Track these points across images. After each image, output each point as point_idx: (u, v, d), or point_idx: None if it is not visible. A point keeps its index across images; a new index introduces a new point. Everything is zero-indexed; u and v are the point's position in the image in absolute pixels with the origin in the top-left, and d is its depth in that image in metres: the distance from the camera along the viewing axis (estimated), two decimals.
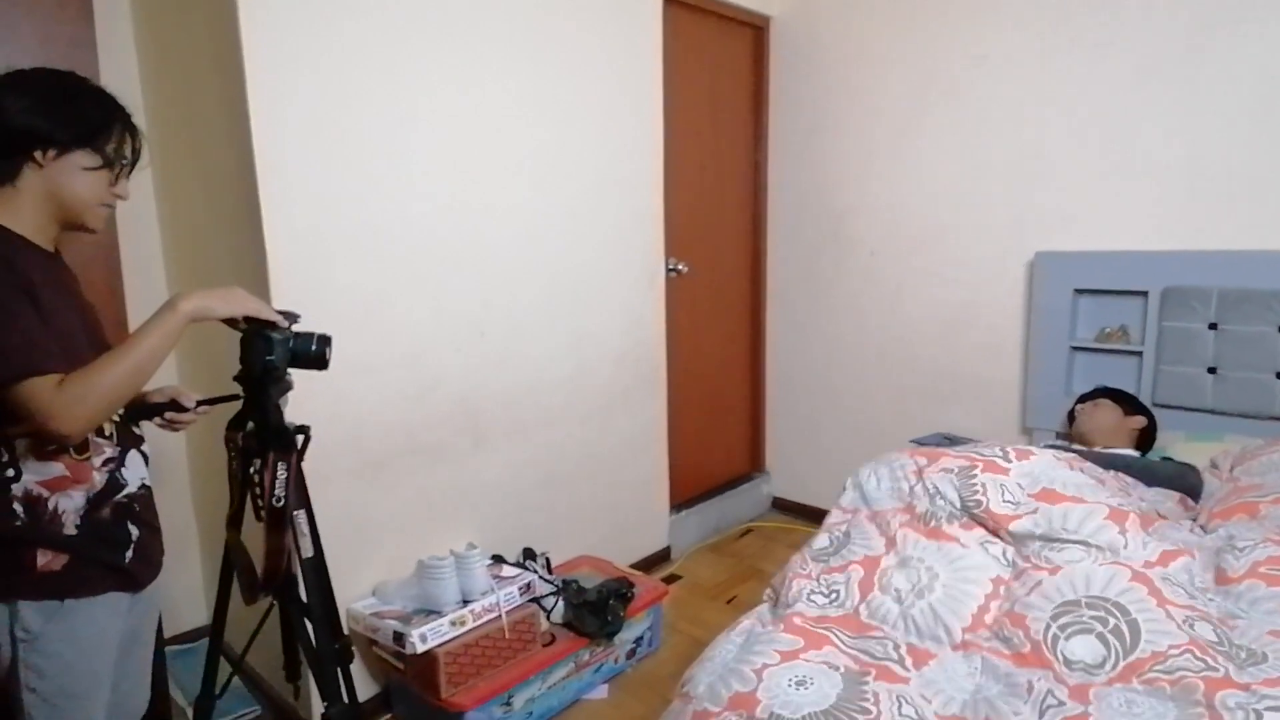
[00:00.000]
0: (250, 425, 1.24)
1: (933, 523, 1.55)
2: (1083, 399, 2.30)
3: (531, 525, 2.41)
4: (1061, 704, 1.09)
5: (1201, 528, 1.59)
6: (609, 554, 2.60)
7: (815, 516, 3.31)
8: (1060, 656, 1.17)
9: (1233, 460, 1.88)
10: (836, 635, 1.35)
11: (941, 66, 2.72)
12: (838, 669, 1.22)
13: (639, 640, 2.29)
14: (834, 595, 1.49)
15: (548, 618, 2.10)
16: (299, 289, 1.78)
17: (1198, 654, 1.10)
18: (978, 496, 1.54)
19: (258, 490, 1.23)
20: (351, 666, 1.51)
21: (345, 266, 1.88)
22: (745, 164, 3.24)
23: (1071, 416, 2.32)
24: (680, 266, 2.92)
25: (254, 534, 1.27)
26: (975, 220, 2.72)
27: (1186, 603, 1.22)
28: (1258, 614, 1.23)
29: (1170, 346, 2.29)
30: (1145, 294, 2.34)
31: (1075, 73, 2.44)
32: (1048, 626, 1.23)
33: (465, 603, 1.91)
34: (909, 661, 1.26)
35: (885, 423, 3.06)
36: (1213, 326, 2.21)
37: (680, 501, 3.07)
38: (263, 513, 1.22)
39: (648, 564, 2.88)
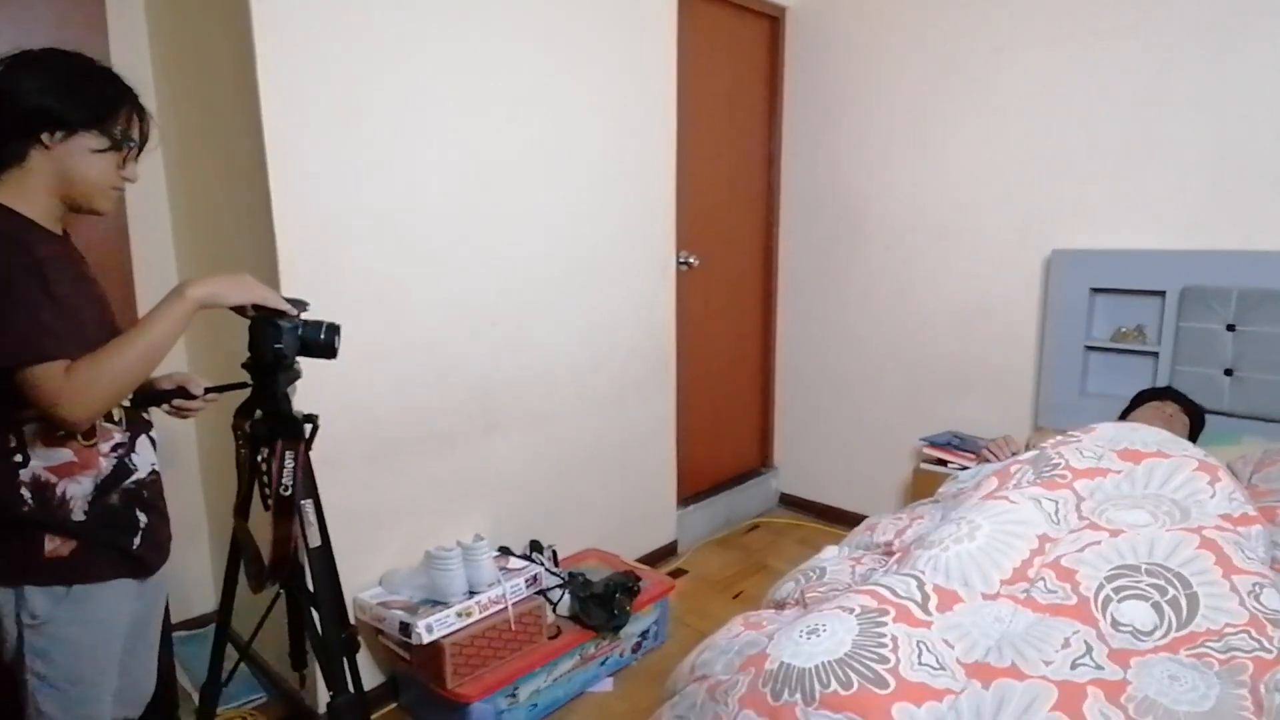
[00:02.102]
0: (258, 413, 1.24)
1: (986, 490, 1.51)
2: (1152, 395, 2.23)
3: (539, 517, 2.41)
4: (1100, 667, 1.04)
5: None
6: (616, 547, 2.59)
7: (823, 513, 3.31)
8: (1109, 617, 1.13)
9: (1253, 467, 1.85)
10: (859, 563, 1.31)
11: (959, 57, 2.69)
12: (852, 611, 1.15)
13: (645, 634, 2.28)
14: (881, 562, 1.46)
15: (554, 610, 2.09)
16: (310, 274, 1.77)
17: (1254, 634, 1.06)
18: (1055, 462, 1.50)
19: (265, 479, 1.23)
20: (358, 655, 1.51)
21: (358, 252, 1.87)
22: (759, 156, 3.21)
23: (1128, 409, 2.24)
24: (692, 259, 2.89)
25: (262, 522, 1.27)
26: (992, 214, 2.69)
27: (1257, 569, 1.17)
28: None
29: (1187, 347, 2.26)
30: (1163, 294, 2.31)
31: (1095, 62, 2.40)
32: (1101, 586, 1.17)
33: (472, 594, 1.90)
34: (934, 602, 1.19)
35: (896, 419, 3.04)
36: (1231, 328, 2.18)
37: (688, 495, 3.06)
38: (270, 501, 1.21)
39: (655, 557, 2.87)
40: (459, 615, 1.82)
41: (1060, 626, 1.14)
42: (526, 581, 2.01)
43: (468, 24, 2.02)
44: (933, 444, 2.69)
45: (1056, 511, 1.38)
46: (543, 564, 2.17)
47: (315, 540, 1.26)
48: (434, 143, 1.99)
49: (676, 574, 2.82)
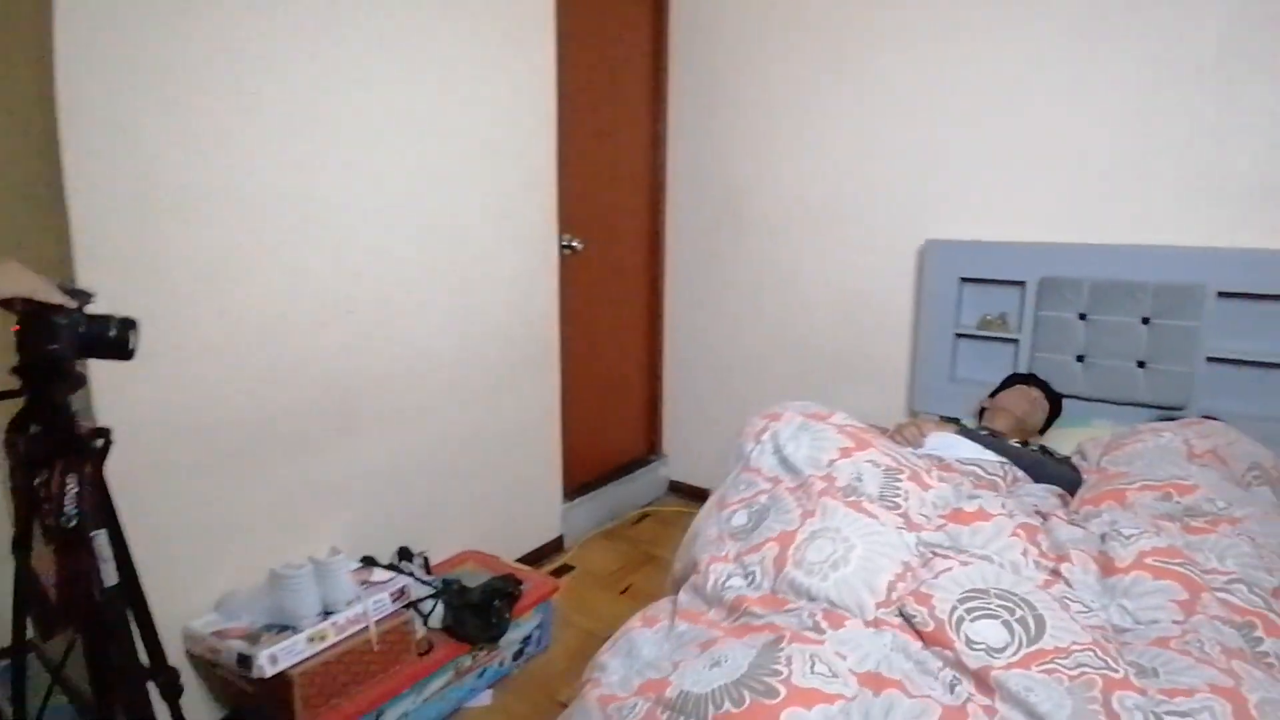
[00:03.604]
0: (34, 428, 1.02)
1: (853, 496, 1.52)
2: (1019, 379, 2.32)
3: (409, 521, 2.24)
4: (971, 696, 1.08)
5: (1077, 517, 1.62)
6: (497, 548, 2.46)
7: None
8: (963, 637, 1.15)
9: (1101, 450, 1.95)
10: (752, 615, 1.31)
11: (841, 47, 2.69)
12: (754, 648, 1.18)
13: (527, 640, 2.17)
14: (750, 577, 1.43)
15: (425, 623, 1.94)
16: (118, 259, 1.52)
17: (1099, 654, 1.09)
18: (898, 499, 1.52)
19: (46, 507, 1.02)
20: (195, 687, 1.31)
21: (179, 233, 1.63)
22: (645, 138, 3.12)
23: (998, 390, 2.33)
24: (575, 243, 2.77)
25: (47, 556, 1.06)
26: (871, 204, 2.72)
27: (1082, 615, 1.22)
28: (1144, 615, 1.24)
29: (1045, 335, 2.36)
30: (1024, 284, 2.40)
31: (969, 58, 2.45)
32: (954, 609, 1.21)
33: (327, 614, 1.72)
34: (825, 624, 1.23)
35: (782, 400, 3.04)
36: (1082, 316, 2.29)
37: (574, 488, 2.96)
38: (51, 533, 1.01)
39: (540, 554, 2.76)
40: (311, 640, 1.64)
41: (930, 654, 1.16)
42: (392, 595, 1.84)
43: None
44: None
45: (913, 545, 1.41)
46: (412, 573, 2.01)
47: (111, 579, 1.06)
48: (273, 111, 1.77)
49: (562, 571, 2.72)
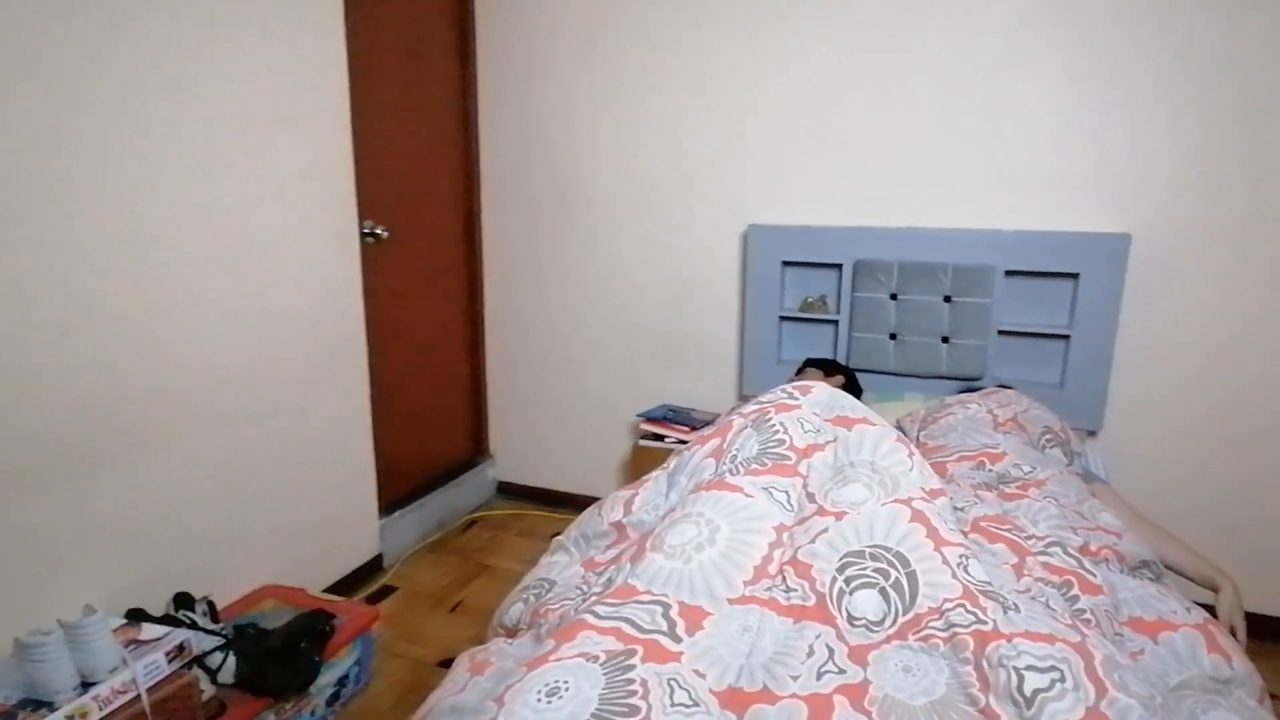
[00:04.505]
0: None
1: (728, 471, 1.42)
2: (815, 363, 2.38)
3: (189, 560, 1.89)
4: (843, 670, 1.03)
5: None
6: (302, 578, 2.16)
7: (545, 499, 3.16)
8: (845, 613, 1.12)
9: (918, 425, 2.05)
10: (593, 614, 1.14)
11: (658, 27, 2.62)
12: (596, 659, 1.03)
13: (344, 680, 1.91)
14: (607, 581, 1.29)
15: (214, 680, 1.64)
16: None
17: (969, 606, 1.08)
18: (779, 436, 1.44)
19: None
20: None
21: None
22: (454, 116, 2.88)
23: (799, 372, 2.38)
24: (379, 230, 2.49)
25: None
26: (696, 188, 2.69)
27: (959, 540, 1.21)
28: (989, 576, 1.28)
29: (861, 315, 2.46)
30: (840, 267, 2.49)
31: (784, 46, 2.48)
32: (834, 579, 1.16)
33: (87, 685, 1.39)
34: (680, 627, 1.11)
35: (613, 395, 2.97)
36: (894, 297, 2.41)
37: (392, 500, 2.69)
38: None
39: (355, 579, 2.47)
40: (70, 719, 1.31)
41: (804, 633, 1.09)
42: (168, 653, 1.52)
43: None
44: (649, 418, 2.66)
45: (789, 500, 1.35)
46: (194, 623, 1.69)
47: None
48: None
49: (383, 594, 2.46)
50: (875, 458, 1.37)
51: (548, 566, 1.52)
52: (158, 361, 1.77)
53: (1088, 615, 1.21)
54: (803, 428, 1.45)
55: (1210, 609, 1.41)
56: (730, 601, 1.16)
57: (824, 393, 1.55)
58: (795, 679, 1.01)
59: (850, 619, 1.10)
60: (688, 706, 0.97)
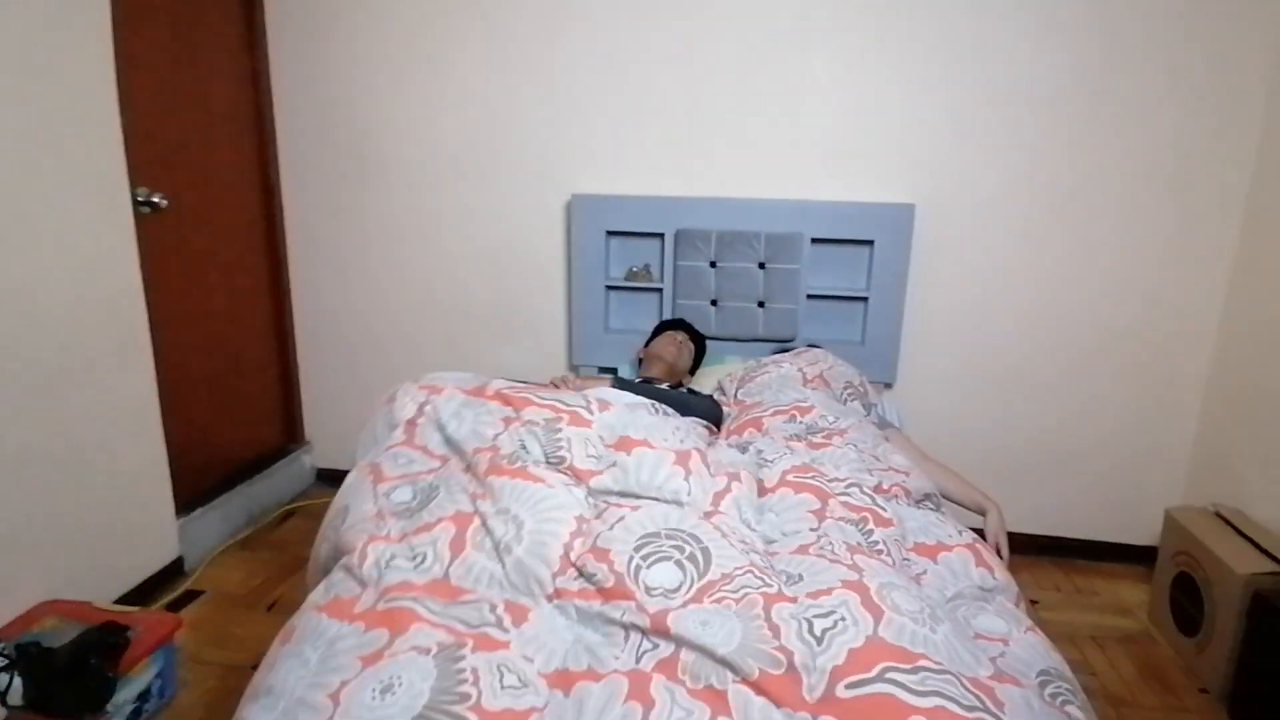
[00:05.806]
0: None
1: (518, 463, 1.44)
2: (668, 326, 2.42)
3: None
4: (655, 645, 1.08)
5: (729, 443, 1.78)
6: (88, 590, 1.92)
7: None
8: (642, 585, 1.16)
9: (736, 384, 2.17)
10: (424, 607, 1.14)
11: None
12: (428, 651, 1.05)
13: (145, 695, 1.73)
14: (419, 559, 1.27)
15: (3, 703, 1.42)
16: None
17: (756, 574, 1.17)
18: (562, 452, 1.47)
19: None
20: None
21: None
22: (239, 73, 2.60)
23: (650, 338, 2.42)
24: (156, 199, 2.21)
25: None
26: (514, 155, 2.64)
27: (740, 536, 1.30)
28: (789, 527, 1.39)
29: (683, 283, 2.55)
30: (663, 235, 2.55)
31: (586, 8, 2.47)
32: (630, 558, 1.21)
33: None
34: (508, 620, 1.14)
35: (437, 370, 2.85)
36: (713, 264, 2.52)
37: (192, 496, 2.44)
38: None
39: (153, 586, 2.22)
40: None
41: (613, 613, 1.14)
42: None
43: None
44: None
45: (586, 497, 1.40)
46: None
47: None
48: None
49: (186, 599, 2.23)
50: (655, 481, 1.41)
51: (343, 491, 1.54)
52: None
53: (880, 545, 1.35)
54: (586, 450, 1.49)
55: (980, 531, 1.63)
56: (547, 598, 1.21)
57: (617, 414, 1.60)
58: (617, 659, 1.07)
59: (648, 590, 1.15)
60: (517, 688, 1.01)
